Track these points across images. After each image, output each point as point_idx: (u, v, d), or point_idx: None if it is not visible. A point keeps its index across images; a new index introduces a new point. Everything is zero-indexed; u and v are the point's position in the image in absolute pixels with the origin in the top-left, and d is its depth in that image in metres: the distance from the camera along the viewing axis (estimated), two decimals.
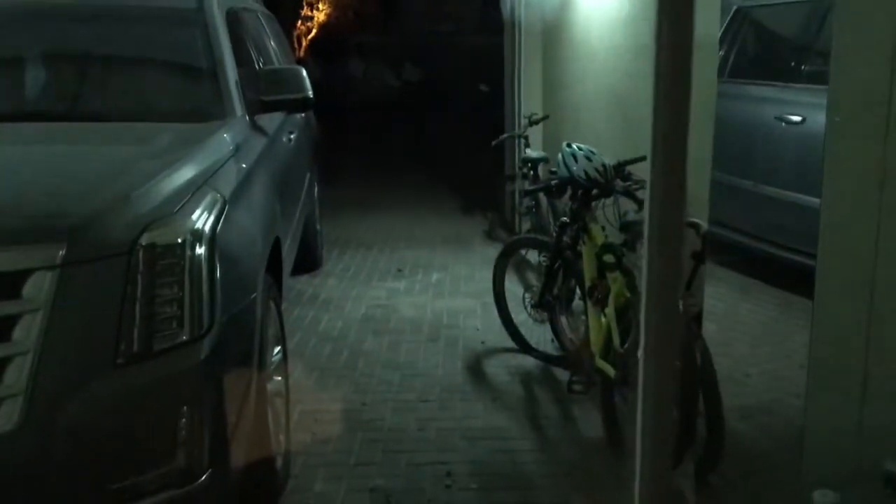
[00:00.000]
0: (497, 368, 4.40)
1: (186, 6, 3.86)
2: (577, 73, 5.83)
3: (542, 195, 5.53)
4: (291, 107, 4.00)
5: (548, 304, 4.29)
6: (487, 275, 4.84)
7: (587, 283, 3.67)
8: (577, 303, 4.22)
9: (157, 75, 3.85)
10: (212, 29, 3.75)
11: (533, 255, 5.54)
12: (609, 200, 3.93)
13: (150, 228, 2.31)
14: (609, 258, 3.48)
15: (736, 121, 5.61)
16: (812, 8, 5.63)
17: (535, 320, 4.45)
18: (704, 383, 3.07)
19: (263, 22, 5.35)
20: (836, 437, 2.72)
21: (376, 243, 7.03)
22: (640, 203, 3.53)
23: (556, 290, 4.25)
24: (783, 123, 5.37)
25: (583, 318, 3.91)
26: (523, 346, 4.56)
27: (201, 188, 2.63)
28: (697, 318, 3.50)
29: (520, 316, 4.59)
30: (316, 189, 6.03)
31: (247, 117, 3.58)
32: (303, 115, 5.31)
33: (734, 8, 6.28)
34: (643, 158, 3.42)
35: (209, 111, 3.43)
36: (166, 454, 2.27)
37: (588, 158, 3.68)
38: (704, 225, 3.43)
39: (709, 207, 3.78)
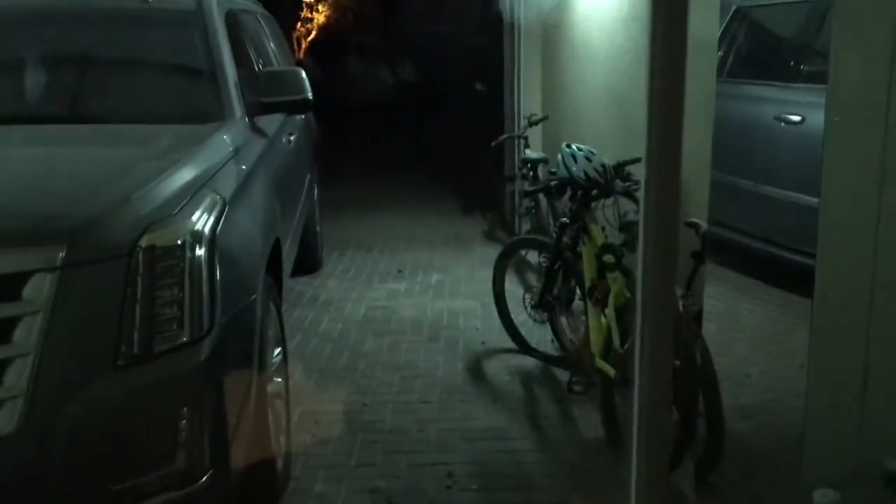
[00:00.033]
0: (497, 369, 4.41)
1: (185, 8, 3.86)
2: (577, 73, 5.84)
3: (541, 196, 5.53)
4: (291, 108, 4.01)
5: (548, 304, 4.30)
6: (487, 275, 4.85)
7: (587, 284, 3.67)
8: (577, 303, 4.22)
9: (156, 77, 3.85)
10: (211, 30, 3.75)
11: (533, 256, 5.55)
12: (609, 201, 3.93)
13: (150, 230, 2.31)
14: (609, 258, 3.48)
15: (735, 121, 5.61)
16: (811, 8, 5.64)
17: (535, 321, 4.45)
18: (704, 383, 3.07)
19: (263, 23, 5.35)
20: (836, 437, 2.72)
21: (376, 244, 7.03)
22: (639, 203, 3.53)
23: (556, 291, 4.25)
24: (782, 123, 5.37)
25: (583, 318, 3.92)
26: (523, 347, 4.56)
27: (201, 190, 2.63)
28: (697, 318, 3.50)
29: (520, 316, 4.59)
30: (316, 190, 6.03)
31: (246, 119, 3.58)
32: (302, 116, 5.31)
33: (733, 8, 6.28)
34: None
35: (209, 113, 3.43)
36: (167, 456, 2.27)
37: (588, 159, 3.68)
38: (704, 225, 3.43)
39: (708, 207, 3.78)
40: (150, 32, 3.84)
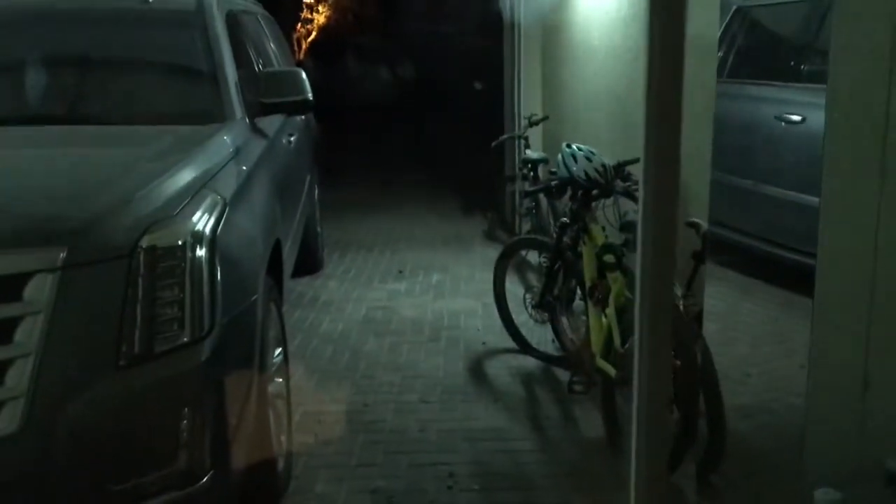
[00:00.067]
0: (498, 369, 4.41)
1: (186, 9, 3.86)
2: (577, 73, 5.84)
3: (542, 196, 5.54)
4: (291, 109, 4.01)
5: (548, 304, 4.30)
6: (488, 276, 4.85)
7: (587, 284, 3.68)
8: (578, 303, 4.22)
9: (157, 78, 3.85)
10: (211, 31, 3.75)
11: (533, 256, 5.55)
12: (609, 201, 3.94)
13: (151, 231, 2.31)
14: (609, 258, 3.48)
15: (736, 120, 5.61)
16: (811, 7, 5.64)
17: (536, 321, 4.45)
18: (705, 383, 3.07)
19: (263, 24, 5.36)
20: (837, 436, 2.72)
21: (377, 245, 7.03)
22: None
23: (556, 291, 4.26)
24: (783, 123, 5.37)
25: (583, 318, 3.92)
26: (524, 347, 4.56)
27: (201, 190, 2.63)
28: (698, 318, 3.51)
29: (520, 316, 4.60)
30: (316, 191, 6.03)
31: (247, 119, 3.59)
32: (303, 116, 5.31)
33: (734, 8, 6.29)
34: None
35: (209, 113, 3.43)
36: (168, 456, 2.28)
37: (588, 159, 3.68)
38: (704, 225, 3.43)
39: (709, 207, 3.78)
40: (150, 33, 3.84)
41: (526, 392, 4.14)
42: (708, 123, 3.77)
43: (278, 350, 3.29)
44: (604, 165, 3.68)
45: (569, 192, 3.85)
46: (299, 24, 26.78)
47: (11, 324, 2.12)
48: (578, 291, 4.09)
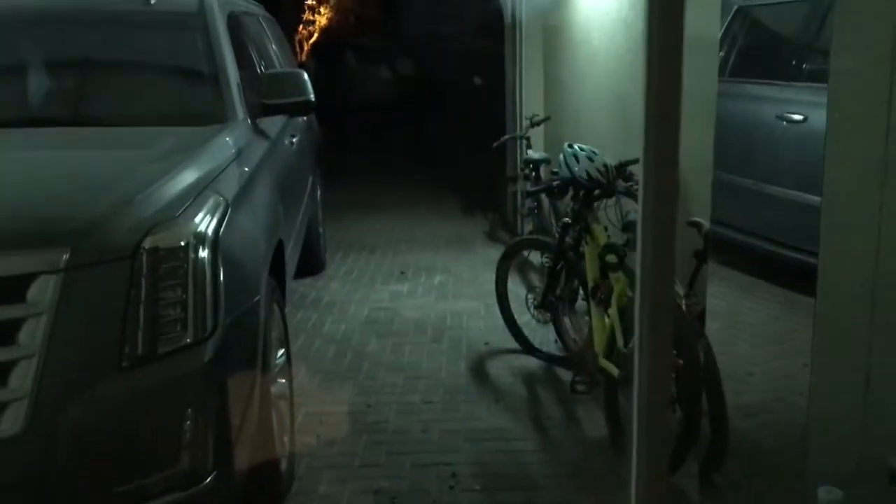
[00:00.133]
0: (500, 369, 4.41)
1: (187, 10, 3.87)
2: (578, 73, 5.84)
3: (543, 196, 5.54)
4: (293, 110, 4.01)
5: (551, 304, 4.30)
6: (490, 276, 4.85)
7: (590, 284, 3.68)
8: (580, 303, 4.22)
9: (158, 79, 3.86)
10: (213, 33, 3.76)
11: (535, 257, 5.55)
12: (611, 201, 3.93)
13: (153, 232, 2.32)
14: (612, 258, 3.48)
15: (737, 120, 5.61)
16: (812, 7, 5.64)
17: (539, 321, 4.46)
18: (708, 382, 3.08)
19: (265, 25, 5.36)
20: (840, 435, 2.72)
21: (379, 246, 7.04)
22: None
23: (558, 291, 4.26)
24: (784, 122, 5.37)
25: (586, 318, 3.92)
26: (526, 347, 4.57)
27: (204, 192, 2.63)
28: (700, 317, 3.51)
29: (523, 317, 4.60)
30: (318, 192, 6.04)
31: (249, 121, 3.59)
32: (305, 118, 5.32)
33: (735, 7, 6.29)
34: None
35: (211, 115, 3.43)
36: (171, 457, 2.28)
37: (590, 159, 3.68)
38: (706, 224, 3.44)
39: (710, 207, 3.78)
40: (152, 35, 3.85)
41: (528, 392, 4.14)
42: (709, 123, 3.78)
43: (281, 351, 3.30)
44: (605, 165, 3.68)
45: (570, 193, 3.85)
46: (301, 26, 26.80)
47: (14, 325, 2.13)
48: (581, 291, 4.09)
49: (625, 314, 3.39)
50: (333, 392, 4.14)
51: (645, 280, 1.11)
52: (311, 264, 5.91)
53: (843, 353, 2.69)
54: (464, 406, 3.98)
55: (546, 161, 5.90)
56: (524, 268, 5.75)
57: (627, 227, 3.72)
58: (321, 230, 6.19)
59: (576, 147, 3.76)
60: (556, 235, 4.25)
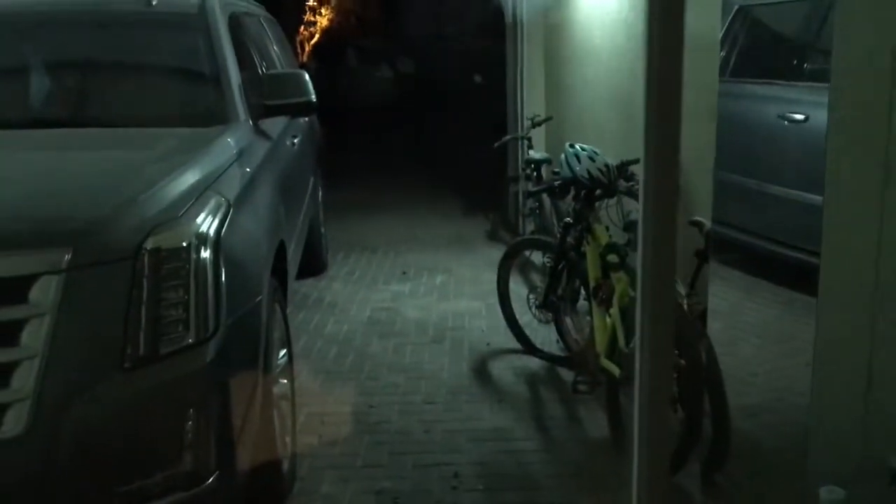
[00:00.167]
0: (502, 369, 4.41)
1: (189, 11, 3.87)
2: (580, 73, 5.84)
3: (545, 196, 5.54)
4: (294, 111, 4.02)
5: (552, 304, 4.30)
6: (492, 276, 4.85)
7: (591, 284, 3.68)
8: (582, 303, 4.22)
9: (160, 80, 3.86)
10: (214, 33, 3.76)
11: (537, 257, 5.55)
12: (612, 200, 3.93)
13: (155, 232, 2.32)
14: (613, 258, 3.49)
15: (739, 120, 5.60)
16: (813, 6, 5.64)
17: (540, 321, 4.46)
18: (710, 382, 3.07)
19: (266, 26, 5.37)
20: (841, 435, 2.72)
21: (380, 246, 7.04)
22: None
23: (560, 291, 4.26)
24: (786, 122, 5.37)
25: (587, 318, 3.92)
26: (528, 347, 4.57)
27: (205, 192, 2.64)
28: (702, 317, 3.51)
29: (524, 317, 4.60)
30: (320, 192, 6.04)
31: (250, 121, 3.59)
32: (306, 118, 5.32)
33: (735, 7, 6.28)
34: None
35: (213, 115, 3.44)
36: (173, 457, 2.28)
37: (591, 159, 3.68)
38: (708, 224, 3.44)
39: (712, 206, 3.78)
40: (153, 36, 3.85)
41: (530, 392, 4.14)
42: (711, 123, 3.78)
43: (283, 351, 3.30)
44: (607, 165, 3.68)
45: (572, 192, 3.85)
46: (302, 27, 26.81)
47: (17, 326, 2.13)
48: (582, 291, 4.09)
49: (626, 314, 3.39)
50: (335, 392, 4.14)
51: (646, 280, 1.12)
52: (312, 265, 5.91)
53: (845, 353, 2.69)
54: (466, 406, 3.98)
55: (547, 161, 5.91)
56: (526, 268, 5.75)
57: (629, 226, 3.72)
58: (323, 230, 6.20)
59: (577, 147, 3.76)
60: (558, 235, 4.25)
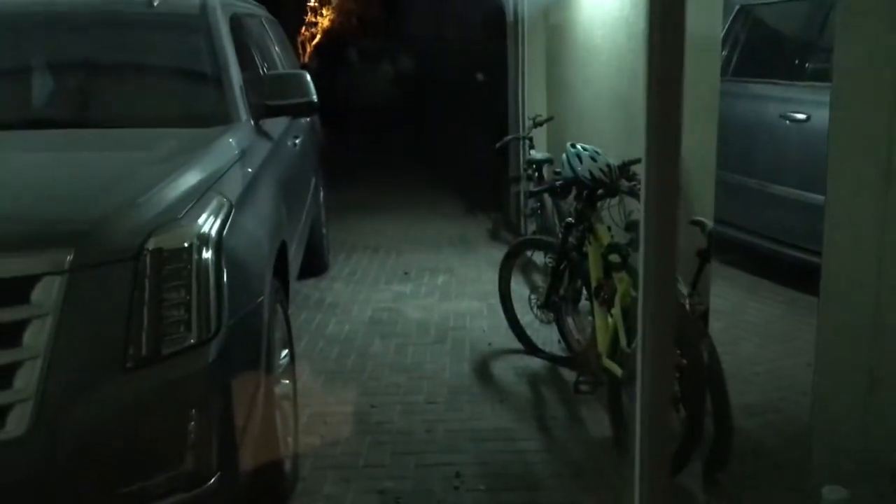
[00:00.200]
0: (504, 370, 4.41)
1: (190, 12, 3.87)
2: (581, 73, 5.84)
3: (546, 196, 5.54)
4: (296, 111, 4.02)
5: (554, 304, 4.30)
6: (493, 276, 4.85)
7: (593, 284, 3.68)
8: (584, 303, 4.22)
9: (161, 81, 3.86)
10: (215, 34, 3.76)
11: (539, 257, 5.55)
12: (614, 200, 3.93)
13: (157, 233, 2.32)
14: (615, 258, 3.48)
15: (740, 119, 5.61)
16: (815, 5, 5.63)
17: (542, 321, 4.45)
18: (712, 382, 3.07)
19: (267, 27, 5.37)
20: (844, 434, 2.72)
21: (382, 246, 7.04)
22: None
23: (562, 291, 4.26)
24: (787, 121, 5.37)
25: (589, 318, 3.92)
26: (530, 347, 4.57)
27: (207, 193, 2.64)
28: (704, 317, 3.51)
29: (526, 317, 4.60)
30: (321, 193, 6.04)
31: (252, 122, 3.60)
32: (308, 119, 5.32)
33: (737, 6, 6.28)
34: None
35: (214, 116, 3.44)
36: (175, 458, 2.29)
37: (593, 159, 3.68)
38: (710, 223, 3.43)
39: (714, 206, 3.78)
40: (155, 36, 3.85)
41: (532, 392, 4.14)
42: (712, 122, 3.78)
43: (285, 351, 3.30)
44: (608, 165, 3.68)
45: (574, 192, 3.85)
46: (304, 28, 26.83)
47: (19, 326, 2.13)
48: (584, 291, 4.09)
49: (628, 314, 3.39)
50: (337, 393, 4.14)
51: (648, 279, 1.12)
52: (314, 265, 5.91)
53: (847, 353, 2.69)
54: (467, 406, 3.98)
55: (549, 161, 5.91)
56: (527, 268, 5.75)
57: (630, 226, 3.72)
58: (324, 231, 6.20)
59: (579, 147, 3.76)
60: (560, 235, 4.25)
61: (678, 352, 2.99)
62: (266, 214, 3.24)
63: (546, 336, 4.52)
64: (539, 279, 5.43)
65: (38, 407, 2.11)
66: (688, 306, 3.28)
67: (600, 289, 3.61)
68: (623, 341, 3.39)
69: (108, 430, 2.21)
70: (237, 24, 4.19)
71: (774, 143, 5.52)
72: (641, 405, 1.15)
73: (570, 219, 3.99)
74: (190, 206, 2.50)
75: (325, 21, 28.22)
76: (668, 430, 1.18)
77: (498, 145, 6.75)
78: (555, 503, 3.20)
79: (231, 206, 2.66)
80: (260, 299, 2.78)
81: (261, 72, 4.35)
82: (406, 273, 6.24)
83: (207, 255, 2.39)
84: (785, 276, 5.44)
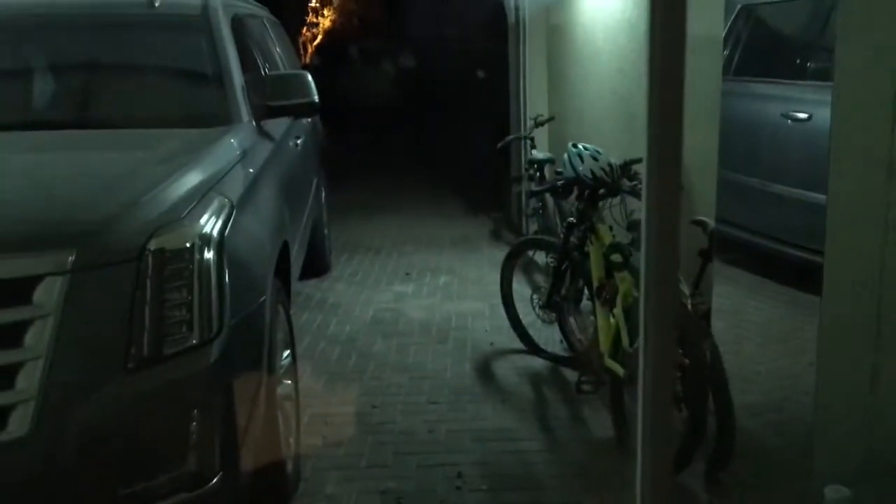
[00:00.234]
0: (506, 370, 4.41)
1: (191, 13, 3.88)
2: (582, 73, 5.84)
3: (548, 196, 5.54)
4: (297, 112, 4.02)
5: (556, 304, 4.30)
6: (495, 277, 4.85)
7: (595, 283, 3.68)
8: (586, 303, 4.22)
9: (163, 82, 3.87)
10: (217, 35, 3.76)
11: (540, 257, 5.55)
12: (616, 200, 3.93)
13: (159, 233, 2.32)
14: (617, 258, 3.48)
15: (742, 119, 5.61)
16: (816, 4, 5.63)
17: (544, 321, 4.45)
18: (714, 381, 3.07)
19: (269, 28, 5.37)
20: (846, 433, 2.71)
21: (384, 247, 7.04)
22: None
23: (563, 291, 4.26)
24: (789, 121, 5.37)
25: (591, 318, 3.92)
26: (532, 347, 4.56)
27: (209, 193, 2.64)
28: (706, 316, 3.50)
29: (528, 317, 4.60)
30: (323, 193, 6.04)
31: (253, 122, 3.60)
32: (309, 119, 5.32)
33: (739, 6, 6.28)
34: None
35: (216, 117, 3.44)
36: (177, 458, 2.28)
37: (594, 158, 3.68)
38: (711, 223, 3.43)
39: (716, 205, 3.78)
40: (156, 37, 3.86)
41: (534, 392, 4.14)
42: (714, 122, 3.78)
43: (286, 352, 3.30)
44: (610, 164, 3.67)
45: (575, 192, 3.85)
46: (305, 28, 26.84)
47: (21, 327, 2.13)
48: (586, 291, 4.09)
49: (630, 314, 3.39)
50: (339, 393, 4.14)
51: (650, 279, 1.11)
52: (316, 265, 5.92)
53: (849, 352, 2.69)
54: (469, 406, 3.98)
55: (550, 161, 5.91)
56: (529, 268, 5.74)
57: (632, 226, 3.72)
58: (326, 231, 6.20)
59: (580, 146, 3.76)
60: (561, 235, 4.25)
61: (680, 351, 2.99)
62: (268, 215, 3.24)
63: (548, 336, 4.52)
64: (541, 279, 5.42)
65: (40, 407, 2.11)
66: (690, 306, 3.27)
67: (602, 288, 3.61)
68: (625, 341, 3.39)
69: (110, 431, 2.21)
70: (239, 25, 4.19)
71: (776, 142, 5.52)
72: (643, 405, 1.15)
73: (571, 218, 3.99)
74: (192, 206, 2.50)
75: (326, 21, 28.25)
76: (670, 430, 1.18)
77: (499, 145, 6.75)
78: (557, 503, 3.20)
79: (233, 207, 2.66)
80: (262, 300, 2.78)
81: (262, 72, 4.35)
82: (408, 273, 6.24)
83: (209, 255, 2.39)
84: (787, 276, 5.43)
